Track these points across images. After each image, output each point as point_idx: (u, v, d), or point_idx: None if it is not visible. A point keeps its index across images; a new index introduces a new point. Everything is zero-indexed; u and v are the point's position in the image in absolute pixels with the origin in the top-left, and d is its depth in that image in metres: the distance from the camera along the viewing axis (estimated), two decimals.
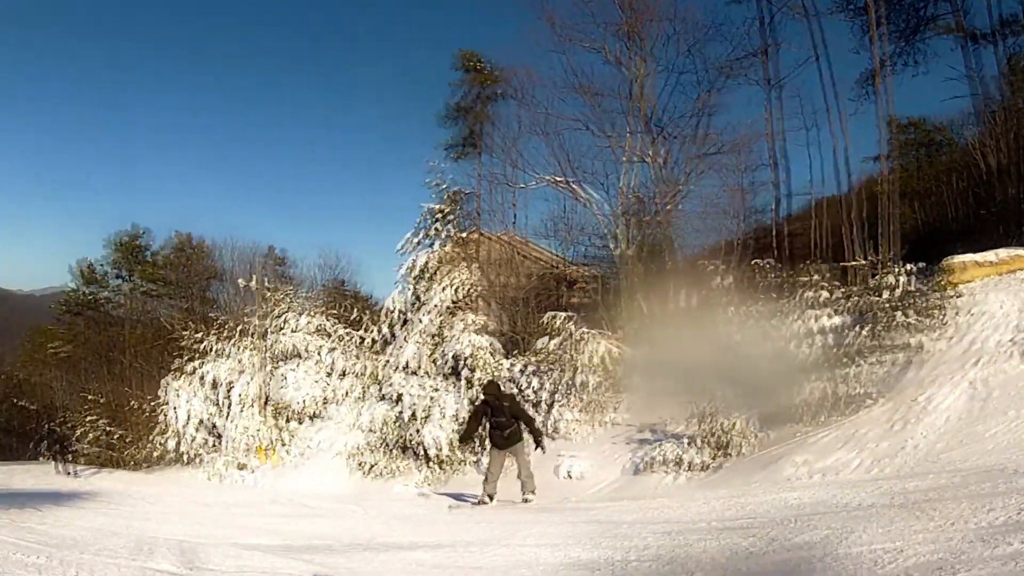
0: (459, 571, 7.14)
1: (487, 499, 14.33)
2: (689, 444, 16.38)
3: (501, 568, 7.07)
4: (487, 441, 15.19)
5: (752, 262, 21.14)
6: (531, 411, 19.57)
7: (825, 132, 25.11)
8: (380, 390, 25.58)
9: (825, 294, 17.64)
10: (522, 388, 21.80)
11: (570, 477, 18.20)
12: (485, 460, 15.23)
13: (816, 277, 18.02)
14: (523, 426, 14.46)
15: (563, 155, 25.65)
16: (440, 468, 21.87)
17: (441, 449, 21.89)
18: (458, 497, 16.35)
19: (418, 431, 22.65)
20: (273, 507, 15.43)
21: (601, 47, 24.96)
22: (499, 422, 14.28)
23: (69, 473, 34.46)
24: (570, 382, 20.98)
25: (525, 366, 22.47)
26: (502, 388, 16.66)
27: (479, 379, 21.63)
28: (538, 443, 14.74)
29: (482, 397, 15.21)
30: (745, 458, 15.55)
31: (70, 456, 38.91)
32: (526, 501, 14.07)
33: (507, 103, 30.76)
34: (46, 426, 44.79)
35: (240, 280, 35.51)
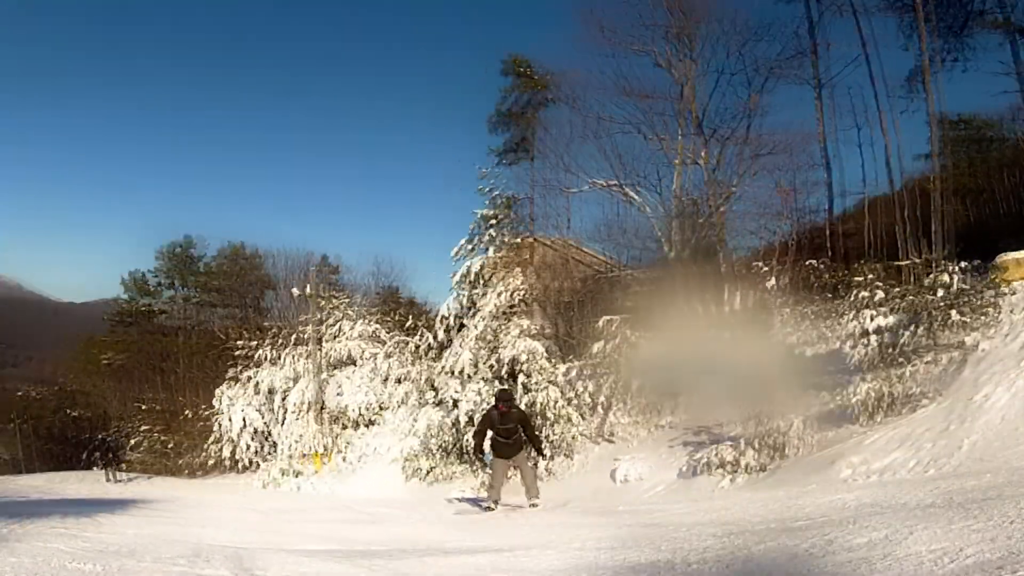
0: (518, 575, 7.22)
1: (493, 505, 14.71)
2: (745, 446, 16.46)
3: (560, 572, 7.14)
4: (489, 449, 15.44)
5: (805, 263, 21.33)
6: (579, 415, 20.34)
7: (875, 131, 25.41)
8: (435, 396, 25.87)
9: (879, 294, 17.61)
10: (577, 392, 22.08)
11: (626, 480, 18.32)
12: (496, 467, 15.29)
13: (869, 277, 18.02)
14: (523, 435, 14.87)
15: (614, 159, 25.85)
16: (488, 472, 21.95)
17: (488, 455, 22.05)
18: (474, 502, 16.75)
19: (471, 436, 22.79)
20: (330, 513, 15.56)
21: (650, 50, 25.16)
22: (507, 429, 14.68)
23: (119, 480, 35.31)
24: (625, 385, 21.23)
25: (581, 370, 22.73)
26: (515, 397, 16.95)
27: (534, 383, 21.92)
28: (540, 452, 15.71)
29: (492, 403, 15.73)
30: (800, 459, 15.59)
31: (119, 464, 39.93)
32: (533, 506, 14.52)
33: (557, 108, 31.00)
34: (99, 435, 45.75)
35: (294, 289, 36.17)
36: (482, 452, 15.25)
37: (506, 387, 18.90)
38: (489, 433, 14.92)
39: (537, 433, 16.46)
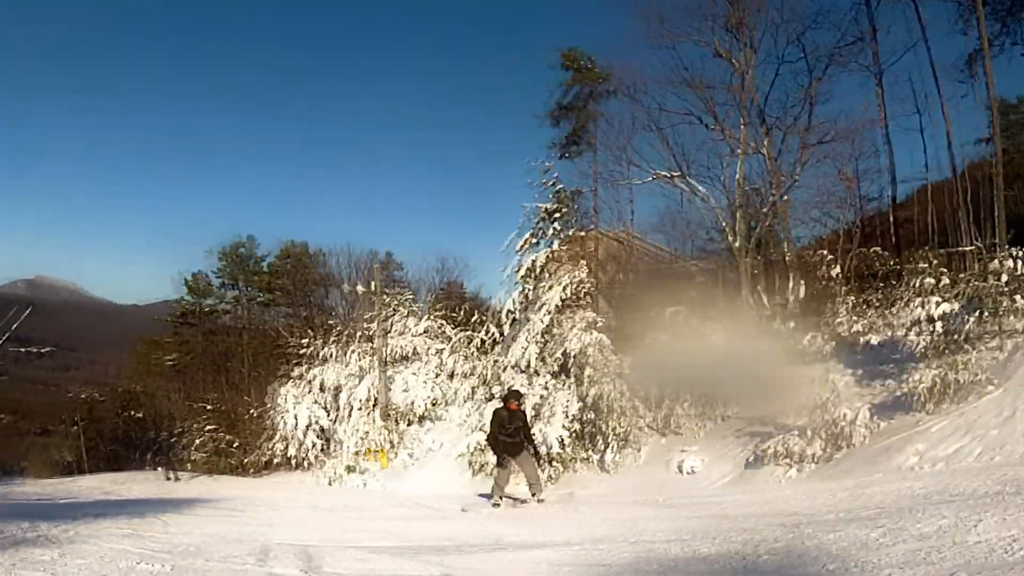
0: (588, 569, 7.31)
1: (499, 501, 15.40)
2: (808, 435, 16.66)
3: (630, 565, 7.26)
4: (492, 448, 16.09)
5: (863, 250, 21.60)
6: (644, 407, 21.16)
7: (933, 116, 25.64)
8: (493, 390, 26.29)
9: (943, 280, 17.80)
10: (643, 383, 22.30)
11: (690, 472, 18.61)
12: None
13: (930, 263, 18.18)
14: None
15: (675, 150, 26.27)
16: (554, 466, 22.40)
17: (552, 447, 22.36)
18: (488, 496, 16.95)
19: (538, 430, 22.73)
20: (393, 509, 16.07)
21: (708, 40, 25.53)
22: (515, 428, 15.42)
23: (178, 479, 36.26)
24: (685, 376, 21.30)
25: (645, 361, 22.88)
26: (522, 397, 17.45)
27: (589, 376, 22.37)
28: (536, 450, 16.33)
29: (502, 403, 16.38)
30: (864, 448, 15.74)
31: (180, 464, 41.04)
32: (540, 501, 15.23)
33: (615, 100, 31.48)
34: (159, 436, 46.93)
35: (357, 286, 36.78)
36: (501, 451, 15.63)
37: (515, 388, 19.33)
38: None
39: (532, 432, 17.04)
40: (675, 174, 26.35)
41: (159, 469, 41.80)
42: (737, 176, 25.64)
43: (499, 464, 15.49)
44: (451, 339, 30.91)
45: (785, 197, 24.96)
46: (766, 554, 6.93)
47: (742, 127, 25.59)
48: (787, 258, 24.85)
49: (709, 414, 20.92)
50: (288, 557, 8.12)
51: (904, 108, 26.20)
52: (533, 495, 15.41)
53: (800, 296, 23.97)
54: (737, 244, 24.97)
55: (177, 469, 39.48)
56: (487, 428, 16.14)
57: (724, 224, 25.83)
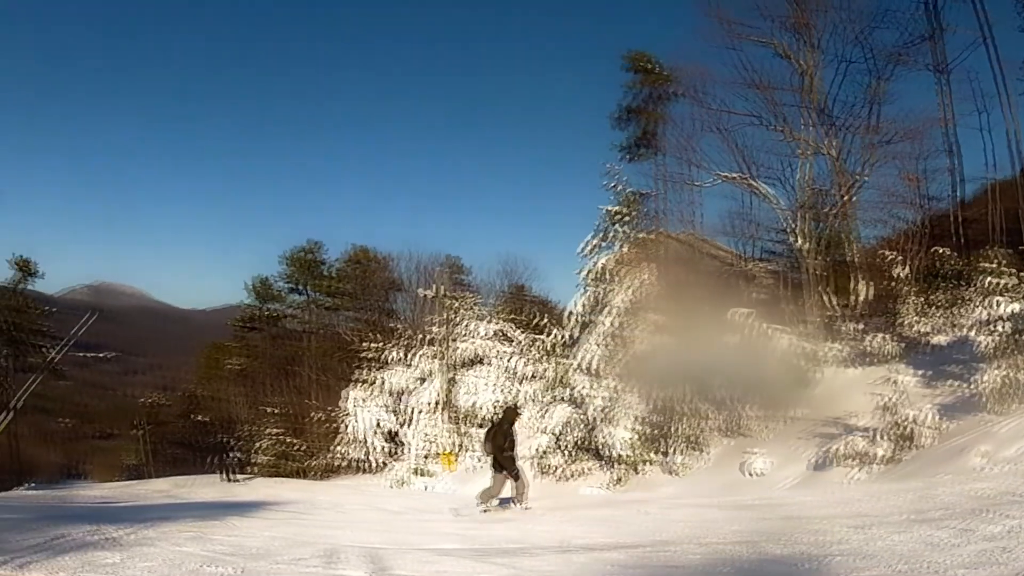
0: (657, 571, 7.38)
1: (489, 507, 15.79)
2: (874, 437, 16.97)
3: (700, 567, 7.31)
4: (490, 458, 16.45)
5: (931, 250, 21.88)
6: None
7: (996, 115, 25.55)
8: (562, 393, 26.61)
9: (1011, 280, 17.94)
10: (709, 386, 22.81)
11: (756, 474, 19.07)
12: (496, 475, 16.14)
13: (997, 263, 18.30)
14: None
15: (739, 151, 26.55)
16: (625, 468, 22.90)
17: (625, 449, 22.86)
18: (506, 501, 17.03)
19: (603, 432, 23.70)
20: (463, 512, 16.24)
21: (771, 41, 25.72)
22: (512, 441, 16.04)
23: (235, 480, 37.30)
24: (755, 378, 21.80)
25: (711, 363, 22.87)
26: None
27: (656, 378, 22.92)
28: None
29: (505, 418, 16.80)
30: (930, 449, 16.00)
31: (242, 466, 42.18)
32: (527, 508, 15.66)
33: (680, 102, 31.78)
34: (220, 438, 48.01)
35: (420, 290, 37.58)
36: (509, 463, 16.04)
37: (513, 405, 19.75)
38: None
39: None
40: (740, 175, 26.64)
41: (225, 472, 42.86)
42: (801, 177, 25.84)
43: (503, 473, 15.92)
44: (517, 342, 31.52)
45: (848, 197, 25.01)
46: (834, 556, 6.98)
47: (806, 128, 25.75)
48: (853, 259, 24.89)
49: (776, 416, 21.16)
50: (355, 559, 8.34)
51: (967, 107, 26.15)
52: (520, 502, 15.88)
53: (866, 297, 24.12)
54: (803, 245, 25.12)
55: (234, 471, 40.67)
56: (513, 435, 16.46)
57: (790, 225, 26.02)
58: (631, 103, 34.53)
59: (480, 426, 30.84)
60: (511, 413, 16.70)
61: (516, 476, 15.80)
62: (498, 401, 30.47)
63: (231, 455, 45.76)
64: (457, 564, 8.01)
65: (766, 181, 26.50)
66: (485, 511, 15.56)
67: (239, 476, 41.14)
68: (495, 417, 26.53)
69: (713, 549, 8.23)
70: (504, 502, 16.40)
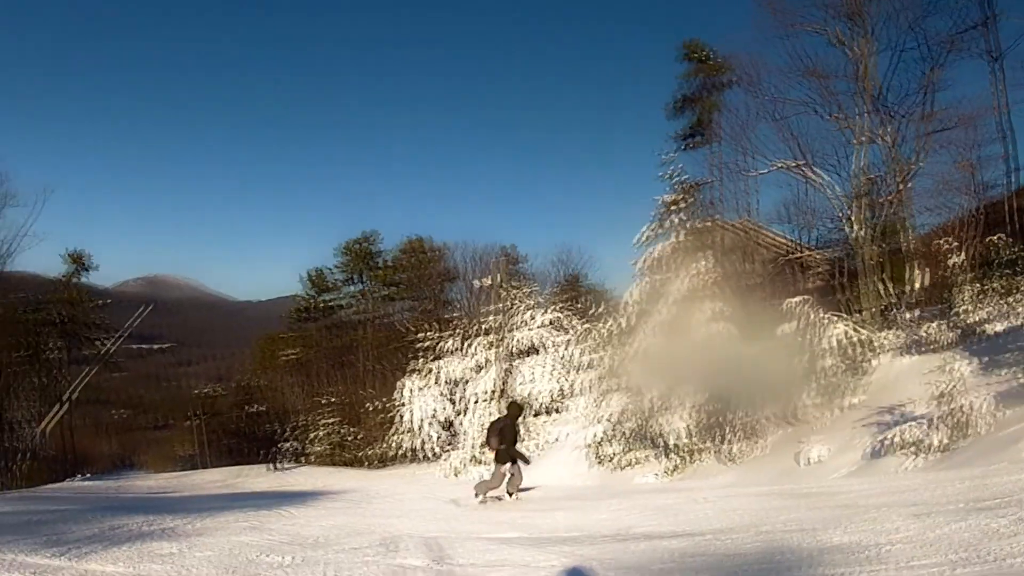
0: (717, 559, 7.42)
1: (486, 499, 16.33)
2: (930, 425, 17.08)
3: (759, 555, 7.35)
4: (495, 452, 16.77)
5: (985, 238, 22.16)
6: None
7: None
8: (619, 382, 26.93)
9: None
10: (764, 374, 22.54)
11: (812, 462, 19.14)
12: (497, 468, 16.53)
13: None
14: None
15: (794, 139, 26.77)
16: (680, 457, 23.21)
17: (681, 438, 23.25)
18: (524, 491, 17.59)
19: (658, 421, 24.10)
20: (518, 501, 16.60)
21: (824, 29, 25.98)
22: (515, 437, 16.76)
23: (282, 469, 38.34)
24: (810, 366, 21.99)
25: (766, 352, 23.17)
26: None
27: (713, 366, 22.99)
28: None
29: (505, 414, 17.71)
30: (985, 438, 16.08)
31: (283, 456, 43.28)
32: (517, 498, 16.35)
33: (735, 91, 32.06)
34: (279, 429, 49.08)
35: (477, 280, 38.16)
36: (513, 456, 16.63)
37: (515, 400, 20.64)
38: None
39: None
40: (794, 164, 26.91)
41: (275, 462, 43.89)
42: (856, 165, 26.11)
43: (504, 465, 16.36)
44: (572, 331, 32.05)
45: (903, 185, 25.24)
46: (888, 544, 7.07)
47: (858, 116, 25.93)
48: (908, 247, 25.19)
49: (831, 404, 21.32)
50: (414, 548, 8.57)
51: (1023, 94, 26.30)
52: (511, 494, 16.48)
53: (922, 285, 24.40)
54: (858, 233, 25.36)
55: (280, 461, 41.86)
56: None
57: (845, 213, 26.27)
58: (686, 92, 34.99)
59: (536, 415, 31.60)
60: (515, 408, 17.52)
61: (516, 470, 16.32)
62: (554, 390, 31.33)
63: (283, 445, 46.88)
64: (516, 552, 8.24)
65: (821, 169, 26.76)
66: (483, 503, 16.04)
67: (287, 465, 42.28)
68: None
69: (771, 537, 8.32)
70: (526, 489, 17.03)
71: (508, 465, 16.28)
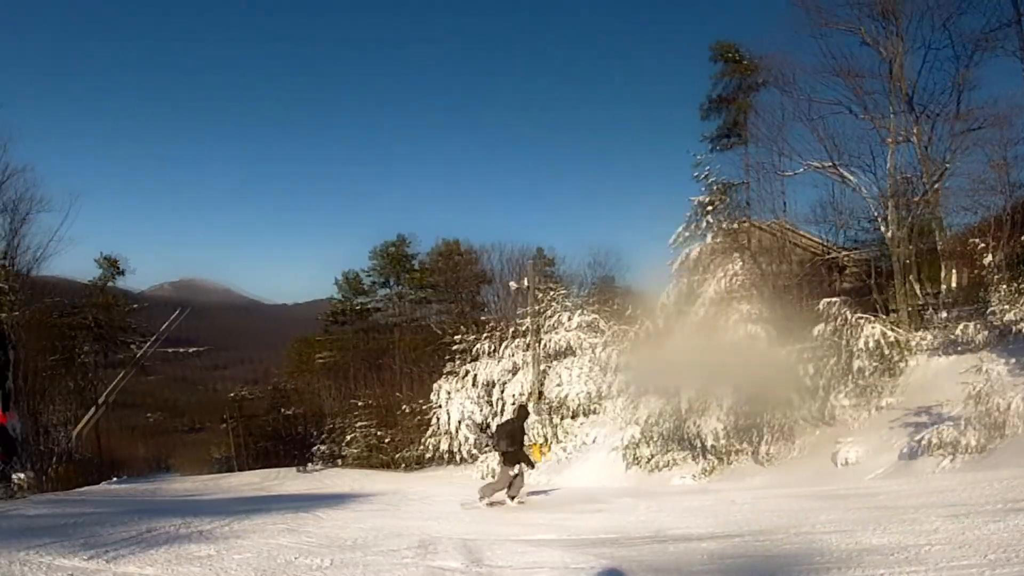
0: (752, 561, 7.48)
1: (492, 502, 16.28)
2: (965, 426, 17.18)
3: (795, 556, 7.30)
4: (500, 455, 16.84)
5: (1020, 237, 22.23)
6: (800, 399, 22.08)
7: None
8: (654, 383, 26.98)
9: None
10: (799, 376, 22.90)
11: (846, 464, 19.33)
12: (504, 470, 16.44)
13: None
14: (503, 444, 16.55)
15: (827, 140, 26.80)
16: (717, 458, 23.47)
17: (718, 439, 23.41)
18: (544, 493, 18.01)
19: (694, 423, 24.25)
20: (554, 502, 16.79)
21: (857, 28, 26.02)
22: (522, 440, 16.71)
23: (310, 471, 38.91)
24: (845, 367, 22.18)
25: (802, 353, 23.51)
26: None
27: (746, 368, 23.22)
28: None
29: (514, 416, 17.58)
30: (1019, 437, 16.30)
31: (314, 458, 43.91)
32: (521, 503, 16.22)
33: (766, 91, 32.08)
34: (311, 431, 49.77)
35: (511, 282, 38.46)
36: (521, 459, 16.61)
37: (523, 404, 20.34)
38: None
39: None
40: (827, 164, 26.96)
41: (309, 464, 44.50)
42: (889, 165, 26.04)
43: (513, 468, 16.30)
44: (606, 333, 32.30)
45: (936, 185, 25.28)
46: (927, 544, 7.10)
47: (891, 115, 25.96)
48: (941, 247, 25.28)
49: (871, 404, 21.41)
50: (450, 550, 8.45)
51: None
52: (513, 498, 16.29)
53: (954, 285, 24.64)
54: (890, 234, 25.40)
55: (307, 463, 42.48)
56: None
57: (877, 214, 26.38)
58: (719, 93, 35.14)
59: (573, 416, 31.97)
60: (523, 411, 17.50)
61: (520, 472, 16.29)
62: (589, 391, 31.66)
63: (317, 448, 47.57)
64: (552, 555, 8.15)
65: (853, 169, 26.83)
66: (490, 505, 15.96)
67: (319, 467, 42.89)
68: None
69: (808, 538, 8.31)
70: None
71: (516, 467, 16.26)
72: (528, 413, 18.39)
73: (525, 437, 17.41)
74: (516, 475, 16.16)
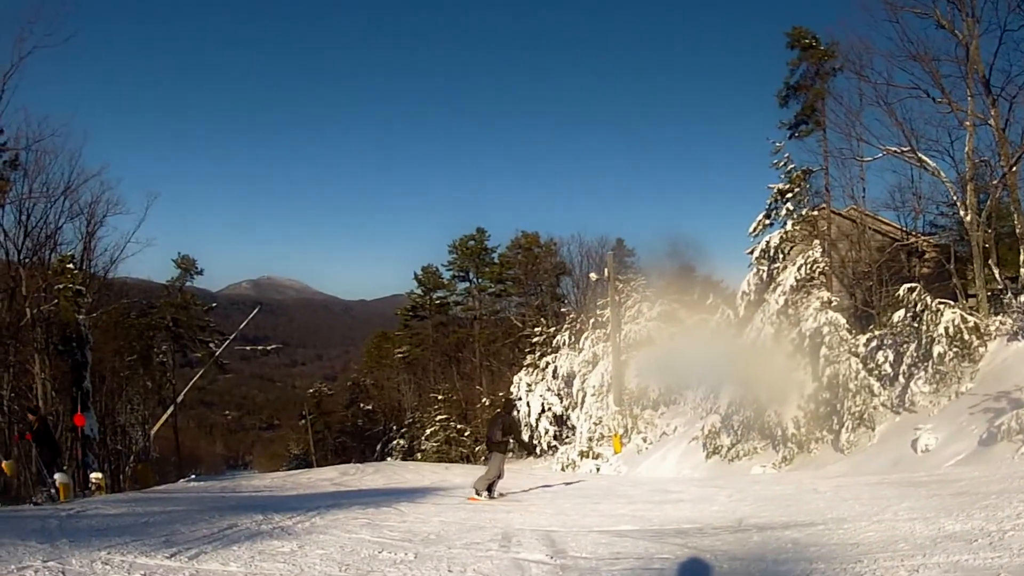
0: (835, 548, 7.55)
1: (495, 494, 16.66)
2: None
3: (878, 543, 7.51)
4: (494, 446, 16.84)
5: None
6: (880, 386, 22.69)
7: None
8: (731, 373, 27.80)
9: None
10: (878, 363, 23.65)
11: (926, 450, 19.43)
12: (496, 460, 16.62)
13: None
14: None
15: (902, 125, 27.23)
16: (796, 446, 23.91)
17: (800, 426, 23.79)
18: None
19: (775, 412, 24.76)
20: (635, 494, 16.95)
21: (931, 11, 26.14)
22: (509, 432, 17.18)
23: (390, 464, 40.34)
24: (924, 354, 22.48)
25: (881, 340, 24.26)
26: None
27: (825, 356, 23.55)
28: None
29: (503, 408, 18.58)
30: None
31: (391, 453, 45.35)
32: (501, 495, 16.72)
33: (842, 77, 32.93)
34: (389, 426, 51.23)
35: (591, 273, 39.42)
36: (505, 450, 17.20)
37: (510, 398, 21.02)
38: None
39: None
40: (905, 149, 27.37)
41: (387, 459, 45.84)
42: (967, 149, 26.17)
43: (503, 456, 16.74)
44: (691, 323, 33.09)
45: (1015, 168, 25.29)
46: (1011, 530, 7.27)
47: (968, 99, 26.09)
48: (1019, 230, 25.16)
49: (950, 390, 21.64)
50: (532, 542, 8.80)
51: None
52: (490, 490, 16.56)
53: None
54: (968, 218, 25.56)
55: (389, 457, 43.87)
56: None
57: (956, 198, 26.60)
58: (795, 80, 35.69)
59: (653, 408, 32.87)
60: (510, 404, 18.68)
61: (499, 464, 16.53)
62: (667, 382, 32.52)
63: (394, 442, 49.06)
64: (634, 545, 8.52)
65: (930, 154, 27.22)
66: (492, 497, 16.32)
67: (396, 462, 44.25)
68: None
69: (888, 526, 8.52)
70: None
71: (505, 457, 16.68)
72: (515, 406, 19.28)
73: (512, 429, 17.95)
74: (498, 466, 16.58)
